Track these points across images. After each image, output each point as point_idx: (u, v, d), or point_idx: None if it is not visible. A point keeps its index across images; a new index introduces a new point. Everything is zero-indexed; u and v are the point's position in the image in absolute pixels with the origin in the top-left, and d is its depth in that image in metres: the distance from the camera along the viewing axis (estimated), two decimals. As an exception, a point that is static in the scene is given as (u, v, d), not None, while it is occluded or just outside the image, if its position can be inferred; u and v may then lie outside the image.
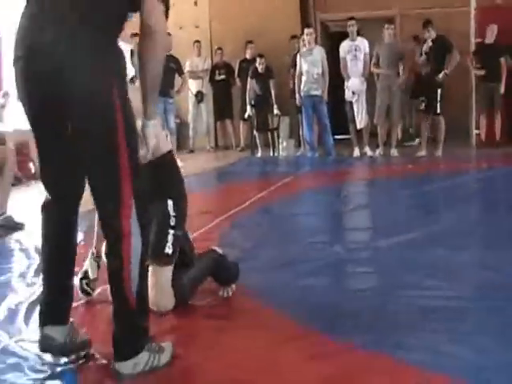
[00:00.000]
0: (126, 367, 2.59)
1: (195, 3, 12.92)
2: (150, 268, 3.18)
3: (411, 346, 2.79)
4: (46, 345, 2.75)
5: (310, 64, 10.31)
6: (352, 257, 4.40)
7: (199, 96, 12.38)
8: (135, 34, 10.72)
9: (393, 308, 3.29)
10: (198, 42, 12.49)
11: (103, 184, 2.56)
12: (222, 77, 12.56)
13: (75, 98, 2.46)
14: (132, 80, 3.63)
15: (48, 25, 2.46)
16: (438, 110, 9.85)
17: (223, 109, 12.65)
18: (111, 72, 2.51)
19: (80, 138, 2.54)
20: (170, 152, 3.47)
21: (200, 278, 3.53)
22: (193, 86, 12.39)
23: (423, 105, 9.99)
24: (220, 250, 3.73)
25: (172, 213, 3.38)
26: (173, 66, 10.97)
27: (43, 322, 2.76)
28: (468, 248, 4.55)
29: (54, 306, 2.78)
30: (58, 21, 2.46)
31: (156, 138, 2.77)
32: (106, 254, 2.61)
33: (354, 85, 10.17)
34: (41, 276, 2.86)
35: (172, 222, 3.37)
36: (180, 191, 3.52)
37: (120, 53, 2.60)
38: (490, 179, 7.75)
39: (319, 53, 10.41)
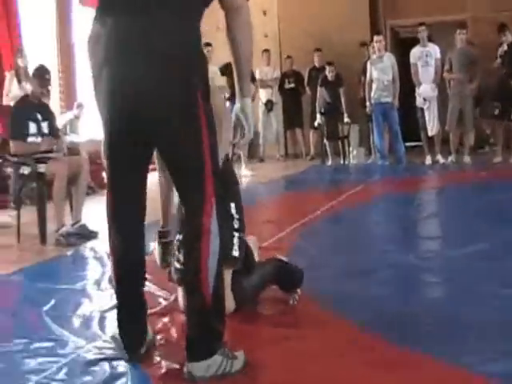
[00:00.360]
0: (198, 369, 2.59)
1: (264, 13, 12.99)
2: None
3: (487, 358, 2.69)
4: (135, 360, 2.83)
5: (380, 71, 10.25)
6: (425, 266, 4.33)
7: (269, 105, 12.43)
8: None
9: (467, 319, 3.20)
10: (267, 50, 12.52)
11: (188, 182, 2.62)
12: (292, 85, 12.59)
13: (162, 101, 2.52)
14: None
15: (133, 28, 2.52)
16: (513, 116, 9.60)
17: (293, 117, 12.66)
18: (197, 76, 2.57)
19: (167, 137, 2.59)
20: (227, 155, 3.48)
21: (261, 285, 3.53)
22: (262, 94, 12.44)
23: (497, 110, 9.75)
24: (284, 258, 3.72)
25: (236, 215, 3.40)
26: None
27: (133, 349, 2.83)
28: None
29: (136, 330, 2.85)
30: (146, 23, 2.51)
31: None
32: (184, 251, 2.63)
33: (425, 91, 10.05)
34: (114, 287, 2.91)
35: (236, 225, 3.38)
36: (239, 194, 3.53)
37: (203, 55, 2.66)
38: None
39: (389, 59, 10.35)
